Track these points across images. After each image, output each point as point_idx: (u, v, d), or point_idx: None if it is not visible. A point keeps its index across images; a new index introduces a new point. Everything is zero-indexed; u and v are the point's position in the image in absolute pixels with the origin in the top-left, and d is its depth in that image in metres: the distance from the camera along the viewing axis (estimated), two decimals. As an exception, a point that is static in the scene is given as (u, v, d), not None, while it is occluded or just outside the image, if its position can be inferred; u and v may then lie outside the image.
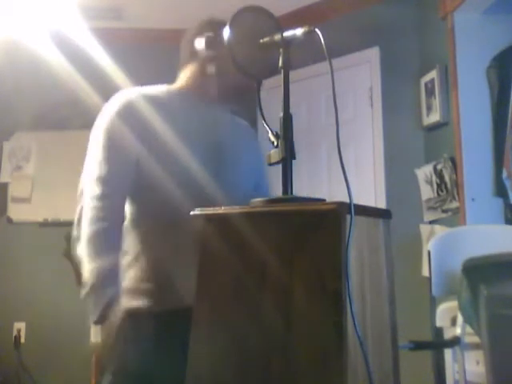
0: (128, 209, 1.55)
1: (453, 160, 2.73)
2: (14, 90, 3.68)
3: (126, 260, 1.53)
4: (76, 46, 3.38)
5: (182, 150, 1.50)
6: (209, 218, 1.25)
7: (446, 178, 2.78)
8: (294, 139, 1.27)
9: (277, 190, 1.30)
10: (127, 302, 1.44)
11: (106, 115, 1.55)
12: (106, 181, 1.49)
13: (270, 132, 1.28)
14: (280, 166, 1.26)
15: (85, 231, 1.47)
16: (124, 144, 1.50)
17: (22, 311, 3.71)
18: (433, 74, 2.90)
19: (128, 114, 1.52)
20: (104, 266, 1.41)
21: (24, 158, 3.85)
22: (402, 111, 3.19)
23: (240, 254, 1.19)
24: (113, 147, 1.51)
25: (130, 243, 1.54)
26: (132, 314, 1.42)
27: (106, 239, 1.45)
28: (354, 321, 1.04)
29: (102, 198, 1.47)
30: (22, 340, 3.71)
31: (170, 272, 1.49)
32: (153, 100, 1.55)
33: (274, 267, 1.14)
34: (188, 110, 1.60)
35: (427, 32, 3.07)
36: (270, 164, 1.28)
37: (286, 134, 1.25)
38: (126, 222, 1.55)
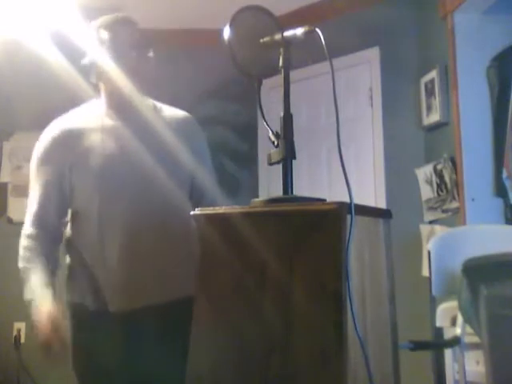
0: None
1: (453, 160, 2.73)
2: (13, 90, 3.68)
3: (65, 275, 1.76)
4: (76, 45, 3.38)
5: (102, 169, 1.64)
6: (209, 218, 1.25)
7: (446, 178, 2.78)
8: (294, 139, 1.27)
9: (277, 190, 1.30)
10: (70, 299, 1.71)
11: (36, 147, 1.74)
12: (35, 219, 1.73)
13: (270, 132, 1.28)
14: (280, 166, 1.26)
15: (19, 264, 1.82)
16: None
17: (21, 311, 3.68)
18: (433, 74, 2.90)
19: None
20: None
21: (24, 158, 3.84)
22: (402, 111, 3.19)
23: (240, 253, 1.19)
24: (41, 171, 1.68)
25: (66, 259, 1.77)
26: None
27: (34, 276, 1.76)
28: (354, 321, 1.04)
29: (31, 238, 1.76)
30: (22, 340, 3.70)
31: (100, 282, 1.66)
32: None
33: (273, 267, 1.14)
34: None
35: (427, 32, 3.07)
36: (271, 164, 1.28)
37: (287, 133, 1.25)
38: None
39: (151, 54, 1.68)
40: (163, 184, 1.63)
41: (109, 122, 1.69)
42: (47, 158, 1.68)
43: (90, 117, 1.72)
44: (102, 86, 1.73)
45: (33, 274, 1.73)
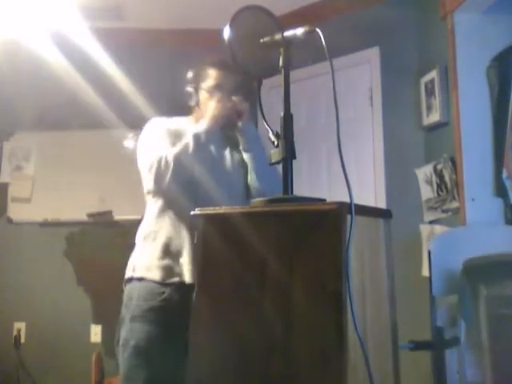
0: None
1: (453, 160, 2.73)
2: (14, 90, 3.68)
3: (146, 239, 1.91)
4: (76, 45, 3.38)
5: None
6: (209, 218, 1.25)
7: (446, 178, 2.78)
8: (295, 139, 1.27)
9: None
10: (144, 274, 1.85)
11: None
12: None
13: (270, 132, 1.28)
14: (280, 166, 1.26)
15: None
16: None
17: (21, 311, 3.71)
18: (433, 74, 2.90)
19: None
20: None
21: (24, 158, 3.85)
22: (402, 111, 3.19)
23: (240, 253, 1.19)
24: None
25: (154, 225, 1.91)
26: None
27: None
28: (354, 321, 1.04)
29: None
30: (22, 340, 3.70)
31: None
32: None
33: (273, 267, 1.14)
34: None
35: (427, 32, 3.07)
36: (271, 164, 1.29)
37: (287, 133, 1.26)
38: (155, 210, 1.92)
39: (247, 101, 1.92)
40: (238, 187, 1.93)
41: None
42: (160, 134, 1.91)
43: (185, 124, 1.98)
44: (197, 111, 1.98)
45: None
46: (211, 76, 1.92)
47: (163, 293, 1.81)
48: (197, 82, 1.94)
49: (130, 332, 1.81)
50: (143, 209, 2.02)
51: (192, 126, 1.89)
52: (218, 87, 1.90)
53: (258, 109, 1.35)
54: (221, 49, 1.32)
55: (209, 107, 1.86)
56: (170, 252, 1.84)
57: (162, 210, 1.90)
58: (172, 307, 1.79)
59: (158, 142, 1.87)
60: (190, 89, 1.95)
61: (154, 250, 1.86)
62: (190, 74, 1.97)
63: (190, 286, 1.72)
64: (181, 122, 1.99)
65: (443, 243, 2.23)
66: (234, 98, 1.87)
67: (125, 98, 3.28)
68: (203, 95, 1.92)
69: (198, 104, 1.94)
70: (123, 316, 1.86)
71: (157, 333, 1.78)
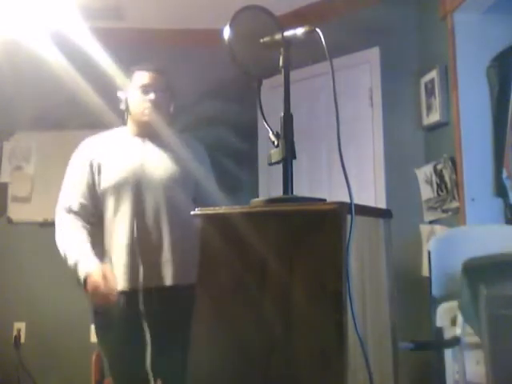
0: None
1: (453, 160, 2.73)
2: (14, 90, 3.68)
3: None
4: (76, 45, 3.38)
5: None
6: (209, 218, 1.25)
7: (446, 178, 2.78)
8: (294, 139, 1.27)
9: (277, 190, 1.30)
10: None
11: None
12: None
13: (270, 132, 1.28)
14: (280, 166, 1.26)
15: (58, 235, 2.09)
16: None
17: (22, 311, 3.70)
18: (433, 74, 2.90)
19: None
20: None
21: (24, 158, 3.85)
22: (402, 111, 3.19)
23: (240, 253, 1.19)
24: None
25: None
26: None
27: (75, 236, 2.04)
28: (354, 321, 1.04)
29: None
30: (22, 340, 3.70)
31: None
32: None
33: (273, 267, 1.14)
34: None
35: (427, 32, 3.07)
36: (271, 164, 1.29)
37: (287, 133, 1.26)
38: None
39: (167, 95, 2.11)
40: (172, 189, 2.06)
41: (131, 140, 2.14)
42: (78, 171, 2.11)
43: (116, 136, 2.18)
44: (128, 116, 2.16)
45: (74, 235, 2.01)
46: (138, 78, 2.10)
47: None
48: (126, 85, 2.12)
49: None
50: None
51: (121, 138, 2.13)
52: (143, 87, 2.07)
53: (257, 109, 1.35)
54: (221, 49, 1.32)
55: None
56: None
57: None
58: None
59: (69, 189, 2.08)
60: (119, 93, 2.15)
61: None
62: (120, 81, 2.17)
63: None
64: (114, 136, 2.16)
65: (443, 243, 2.23)
66: (151, 96, 2.05)
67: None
68: (130, 97, 2.11)
69: (127, 108, 2.12)
70: None
71: None
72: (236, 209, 1.24)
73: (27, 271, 3.64)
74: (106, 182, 2.04)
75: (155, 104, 2.06)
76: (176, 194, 2.04)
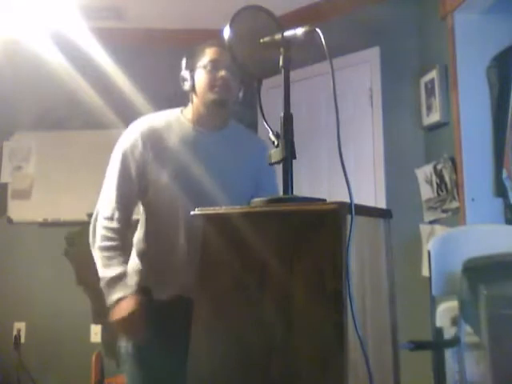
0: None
1: (453, 160, 2.73)
2: (13, 90, 3.68)
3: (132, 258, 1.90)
4: (76, 45, 3.38)
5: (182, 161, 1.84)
6: (209, 218, 1.25)
7: (446, 178, 2.78)
8: (294, 139, 1.27)
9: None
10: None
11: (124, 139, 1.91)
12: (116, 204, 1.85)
13: (270, 132, 1.28)
14: (280, 166, 1.26)
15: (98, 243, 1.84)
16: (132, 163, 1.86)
17: (21, 311, 3.71)
18: (433, 74, 2.90)
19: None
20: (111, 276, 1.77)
21: (24, 158, 3.85)
22: (402, 111, 3.19)
23: (240, 253, 1.19)
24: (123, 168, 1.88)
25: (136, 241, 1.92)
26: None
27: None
28: (354, 321, 1.04)
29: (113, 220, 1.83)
30: (22, 340, 3.71)
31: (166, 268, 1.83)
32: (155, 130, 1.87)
33: (274, 267, 1.14)
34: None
35: (427, 32, 3.07)
36: (271, 164, 1.28)
37: (287, 133, 1.25)
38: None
39: (236, 78, 1.86)
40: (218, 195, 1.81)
41: (189, 129, 1.88)
42: (131, 152, 1.86)
43: (174, 121, 1.90)
44: (193, 97, 1.89)
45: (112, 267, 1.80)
46: (207, 53, 1.86)
47: None
48: (193, 63, 1.87)
49: None
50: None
51: (177, 126, 1.86)
52: (213, 62, 1.82)
53: (257, 109, 1.35)
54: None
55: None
56: None
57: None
58: None
59: (113, 182, 1.86)
60: (184, 73, 1.88)
61: None
62: (184, 59, 1.91)
63: None
64: (169, 118, 1.90)
65: (443, 243, 2.23)
66: (222, 72, 1.81)
67: (125, 98, 3.28)
68: (198, 74, 1.84)
69: (193, 87, 1.85)
70: None
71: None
72: (236, 209, 1.24)
73: (27, 271, 3.65)
74: (159, 178, 1.83)
75: (226, 82, 1.81)
76: (234, 198, 1.75)
